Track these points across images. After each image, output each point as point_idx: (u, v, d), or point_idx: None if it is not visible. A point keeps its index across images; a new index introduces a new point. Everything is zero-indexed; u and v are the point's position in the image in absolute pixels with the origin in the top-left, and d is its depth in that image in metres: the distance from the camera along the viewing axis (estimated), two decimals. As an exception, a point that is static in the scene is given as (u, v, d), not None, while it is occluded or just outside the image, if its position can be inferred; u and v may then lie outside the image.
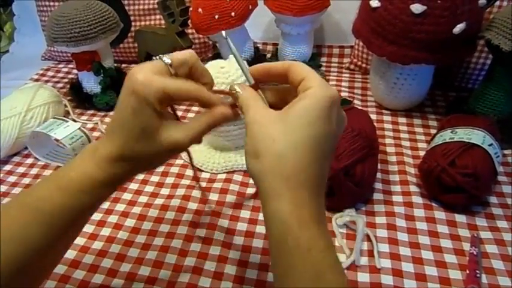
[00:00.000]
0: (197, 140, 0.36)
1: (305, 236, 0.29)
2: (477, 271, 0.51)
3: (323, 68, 0.97)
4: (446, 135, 0.61)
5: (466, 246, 0.55)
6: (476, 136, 0.59)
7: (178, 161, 0.73)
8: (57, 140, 0.71)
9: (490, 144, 0.59)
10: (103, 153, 0.35)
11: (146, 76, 0.33)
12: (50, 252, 0.36)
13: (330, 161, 0.33)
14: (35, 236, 0.34)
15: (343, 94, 0.87)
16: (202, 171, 0.70)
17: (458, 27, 0.64)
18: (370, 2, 0.70)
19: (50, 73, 1.05)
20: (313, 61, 0.95)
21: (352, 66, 0.96)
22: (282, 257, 0.30)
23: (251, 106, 0.34)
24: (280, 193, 0.30)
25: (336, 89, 0.33)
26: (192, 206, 0.63)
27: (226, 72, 0.64)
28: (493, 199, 0.61)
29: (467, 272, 0.51)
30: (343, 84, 0.91)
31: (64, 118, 0.76)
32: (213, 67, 0.65)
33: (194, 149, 0.74)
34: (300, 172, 0.30)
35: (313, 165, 0.31)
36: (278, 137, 0.31)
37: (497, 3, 0.76)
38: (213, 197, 0.65)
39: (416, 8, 0.64)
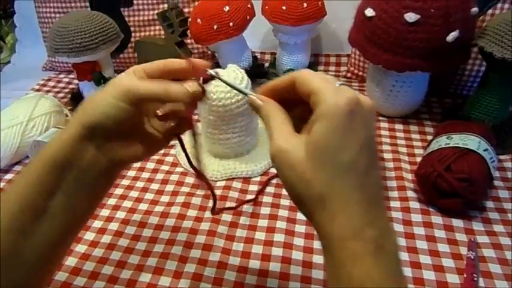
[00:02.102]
0: (143, 96, 0.35)
1: (357, 270, 0.27)
2: (474, 275, 0.51)
3: (320, 77, 0.98)
4: (442, 141, 0.62)
5: (463, 251, 0.55)
6: (471, 142, 0.60)
7: (178, 169, 0.73)
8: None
9: (485, 150, 0.59)
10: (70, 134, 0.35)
11: (122, 76, 0.34)
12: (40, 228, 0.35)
13: (376, 169, 0.30)
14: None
15: (340, 102, 0.88)
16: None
17: (452, 35, 0.65)
18: (365, 11, 0.71)
19: (51, 83, 1.06)
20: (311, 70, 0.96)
21: (349, 75, 0.98)
22: None
23: (274, 128, 0.32)
24: (330, 229, 0.28)
25: (349, 89, 0.29)
26: (192, 213, 0.64)
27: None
28: (490, 204, 0.62)
29: (465, 276, 0.52)
30: (341, 92, 0.92)
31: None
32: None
33: (193, 157, 0.74)
34: (345, 204, 0.28)
35: (358, 190, 0.28)
36: (312, 178, 0.28)
37: (490, 11, 0.78)
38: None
39: (410, 16, 0.65)
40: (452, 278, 0.52)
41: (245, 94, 0.36)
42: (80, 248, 0.59)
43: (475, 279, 0.51)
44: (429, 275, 0.53)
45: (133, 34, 1.02)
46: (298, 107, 0.33)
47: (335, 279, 0.29)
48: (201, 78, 0.38)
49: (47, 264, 0.38)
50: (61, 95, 1.01)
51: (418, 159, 0.69)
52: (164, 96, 0.35)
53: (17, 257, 0.34)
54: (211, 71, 0.38)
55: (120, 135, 0.37)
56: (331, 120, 0.28)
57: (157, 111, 0.39)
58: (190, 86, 0.35)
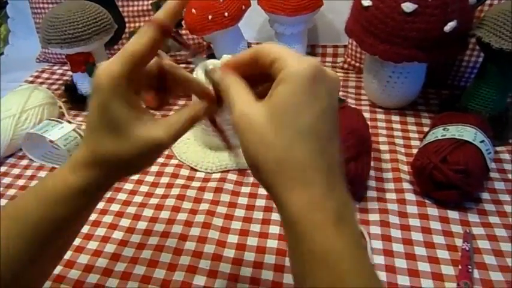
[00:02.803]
0: (179, 136, 0.34)
1: (319, 239, 0.26)
2: (469, 266, 0.51)
3: (317, 68, 0.97)
4: (439, 133, 0.62)
5: (459, 242, 0.55)
6: (467, 133, 0.59)
7: (173, 161, 0.73)
8: (51, 141, 0.71)
9: (482, 141, 0.59)
10: (78, 158, 0.33)
11: (105, 66, 0.31)
12: (38, 262, 0.35)
13: (337, 140, 0.29)
14: (19, 248, 0.33)
15: (337, 93, 0.87)
16: (197, 170, 0.70)
17: (449, 25, 0.64)
18: (362, 1, 0.70)
19: (45, 75, 1.05)
20: (307, 61, 0.95)
21: (346, 66, 0.97)
22: (298, 262, 0.28)
23: (235, 97, 0.30)
24: (288, 199, 0.27)
25: (312, 58, 0.29)
26: (187, 205, 0.64)
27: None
28: (486, 195, 0.62)
29: (460, 267, 0.52)
30: (337, 83, 0.91)
31: (59, 119, 0.76)
32: (206, 66, 0.66)
33: (189, 149, 0.74)
34: (304, 170, 0.27)
35: (318, 157, 0.27)
36: (272, 141, 0.27)
37: (488, 1, 0.77)
38: (208, 196, 0.65)
39: (408, 6, 0.64)
40: (447, 270, 0.52)
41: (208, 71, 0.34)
42: (74, 241, 0.59)
43: (470, 270, 0.51)
44: (424, 266, 0.52)
45: (127, 25, 1.00)
46: (262, 84, 0.33)
47: (296, 253, 0.28)
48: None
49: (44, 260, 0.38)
50: (55, 86, 1.00)
51: (415, 150, 0.69)
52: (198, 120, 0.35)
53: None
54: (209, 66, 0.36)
55: None
56: (293, 82, 0.27)
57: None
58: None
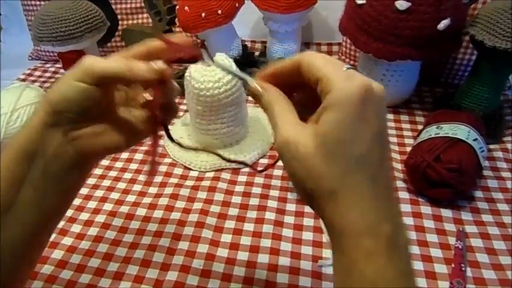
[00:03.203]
0: (105, 74, 0.32)
1: (370, 268, 0.26)
2: (462, 265, 0.51)
3: (311, 66, 0.97)
4: (432, 131, 0.62)
5: (452, 241, 0.55)
6: (461, 131, 0.59)
7: (167, 160, 0.72)
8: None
9: (475, 139, 0.59)
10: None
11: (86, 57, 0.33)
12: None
13: (387, 162, 0.28)
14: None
15: (331, 91, 0.87)
16: (191, 169, 0.70)
17: (443, 23, 0.64)
18: (356, -1, 0.70)
19: (37, 73, 1.04)
20: (302, 58, 0.95)
21: (340, 64, 0.96)
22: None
23: (279, 118, 0.29)
24: (343, 227, 0.27)
25: (359, 74, 0.27)
26: (180, 204, 0.63)
27: (213, 70, 0.64)
28: (479, 193, 0.62)
29: (453, 265, 0.52)
30: (332, 81, 0.91)
31: (50, 118, 0.75)
32: (199, 65, 0.65)
33: (182, 148, 0.73)
34: (359, 199, 0.26)
35: (372, 184, 0.26)
36: (322, 173, 0.27)
37: (482, -1, 0.77)
38: (201, 195, 0.65)
39: (401, 4, 0.64)
40: (440, 268, 0.52)
41: (243, 79, 0.33)
42: (66, 241, 0.59)
43: (463, 269, 0.51)
44: (417, 265, 0.52)
45: (120, 22, 0.99)
46: (299, 91, 0.32)
47: (345, 277, 0.27)
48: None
49: (21, 264, 0.36)
50: (47, 84, 0.99)
51: (408, 149, 0.68)
52: (127, 74, 0.32)
53: None
54: (205, 57, 0.35)
55: (87, 122, 0.34)
56: (341, 110, 0.26)
57: (139, 99, 0.37)
58: (157, 64, 0.33)
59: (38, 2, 1.03)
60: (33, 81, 1.00)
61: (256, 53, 0.99)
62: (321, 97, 0.27)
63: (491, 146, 0.70)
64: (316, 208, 0.28)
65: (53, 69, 1.05)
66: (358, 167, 0.26)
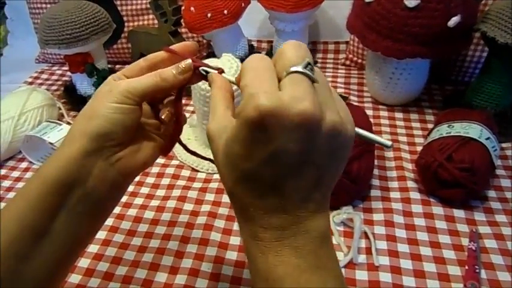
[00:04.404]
0: (139, 95, 0.34)
1: (261, 265, 0.28)
2: (476, 266, 0.50)
3: (319, 65, 0.96)
4: (443, 130, 0.61)
5: (465, 242, 0.54)
6: (473, 130, 0.58)
7: (174, 161, 0.72)
8: (51, 144, 0.71)
9: (487, 138, 0.58)
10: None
11: (112, 83, 0.35)
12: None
13: (286, 180, 0.27)
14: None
15: (339, 90, 0.86)
16: (198, 171, 0.70)
17: (453, 20, 0.63)
18: (364, -3, 0.69)
19: (44, 76, 1.04)
20: (309, 58, 0.94)
21: (347, 62, 0.96)
22: (251, 275, 0.31)
23: (213, 110, 0.31)
24: (239, 225, 0.31)
25: (281, 93, 0.25)
26: (188, 207, 0.63)
27: (220, 71, 0.63)
28: (492, 193, 0.61)
29: (466, 267, 0.51)
30: (339, 80, 0.90)
31: (57, 121, 0.75)
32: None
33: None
34: (245, 209, 0.29)
35: (258, 200, 0.28)
36: (224, 172, 0.29)
37: (492, -5, 0.75)
38: (209, 197, 0.64)
39: (411, 1, 0.63)
40: (454, 270, 0.51)
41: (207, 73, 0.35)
42: (75, 245, 0.58)
43: (477, 270, 0.50)
44: (430, 267, 0.52)
45: (126, 24, 0.99)
46: None
47: (249, 269, 0.31)
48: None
49: (55, 281, 0.36)
50: (54, 87, 0.99)
51: (419, 148, 0.68)
52: (163, 85, 0.34)
53: (18, 282, 0.32)
54: (202, 69, 0.35)
55: (128, 142, 0.35)
56: (238, 127, 0.26)
57: (162, 116, 0.38)
58: (180, 63, 0.35)
59: (44, 5, 1.03)
60: (40, 84, 1.00)
61: (263, 53, 0.98)
62: None
63: (504, 145, 0.68)
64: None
65: (59, 71, 1.05)
66: (246, 181, 0.28)
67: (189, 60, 0.35)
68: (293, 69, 0.26)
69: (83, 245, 0.38)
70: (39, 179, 0.33)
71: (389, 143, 0.30)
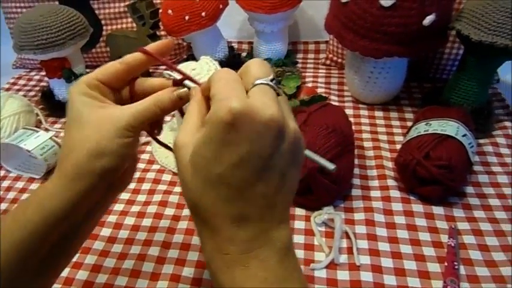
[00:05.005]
0: (143, 118, 0.33)
1: (227, 280, 0.28)
2: (455, 263, 0.51)
3: (299, 65, 0.96)
4: (421, 128, 0.61)
5: (444, 238, 0.55)
6: (450, 127, 0.59)
7: (155, 166, 0.71)
8: (28, 151, 0.69)
9: (464, 135, 0.59)
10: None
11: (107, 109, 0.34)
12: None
13: (256, 186, 0.27)
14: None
15: (320, 90, 0.86)
16: (175, 173, 0.69)
17: (428, 19, 0.64)
18: (340, -3, 0.69)
19: (22, 81, 1.02)
20: (289, 58, 0.94)
21: (328, 62, 0.96)
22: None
23: (184, 121, 0.31)
24: (201, 239, 0.30)
25: (250, 98, 0.27)
26: (170, 211, 0.62)
27: (198, 74, 0.63)
28: (470, 189, 0.61)
29: (446, 264, 0.51)
30: (320, 80, 0.90)
31: (34, 128, 0.74)
32: (184, 69, 0.64)
33: (170, 153, 0.72)
34: (211, 217, 0.28)
35: (227, 204, 0.27)
36: (189, 183, 0.28)
37: (467, -7, 0.76)
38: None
39: (386, 1, 0.64)
40: (434, 267, 0.51)
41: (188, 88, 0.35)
42: (53, 254, 0.57)
43: (456, 267, 0.51)
44: (410, 264, 0.52)
45: (104, 27, 0.98)
46: None
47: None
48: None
49: None
50: (32, 93, 0.97)
51: (398, 146, 0.68)
52: (159, 112, 0.34)
53: None
54: (167, 73, 0.36)
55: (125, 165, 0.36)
56: (209, 129, 0.26)
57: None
58: (178, 91, 0.35)
59: (19, 10, 1.01)
60: (18, 90, 0.99)
61: (243, 54, 0.98)
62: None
63: (481, 141, 0.69)
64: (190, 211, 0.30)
65: (37, 77, 1.03)
66: (213, 186, 0.27)
67: (187, 89, 0.34)
68: (260, 81, 0.28)
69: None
70: (42, 213, 0.32)
71: (332, 166, 0.31)
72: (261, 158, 0.26)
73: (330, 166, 0.31)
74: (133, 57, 0.36)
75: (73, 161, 0.32)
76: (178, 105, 0.35)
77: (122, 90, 0.37)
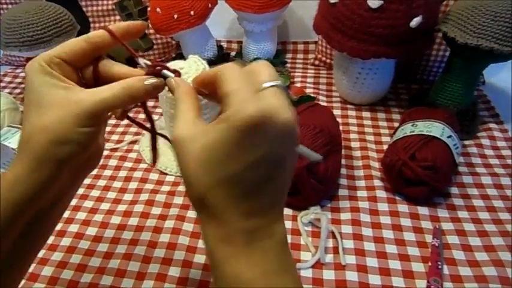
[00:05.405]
0: (109, 105, 0.31)
1: (230, 269, 0.28)
2: (439, 263, 0.52)
3: (288, 65, 0.96)
4: (407, 129, 0.62)
5: (429, 238, 0.55)
6: (435, 129, 0.60)
7: (142, 165, 0.71)
8: (13, 149, 0.68)
9: (449, 136, 0.59)
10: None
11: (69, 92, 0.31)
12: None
13: (272, 182, 0.28)
14: None
15: (308, 90, 0.87)
16: (167, 174, 0.69)
17: (415, 21, 0.64)
18: (329, -2, 0.70)
19: (7, 79, 1.01)
20: (278, 58, 0.94)
21: (317, 62, 0.96)
22: (216, 283, 0.30)
23: (180, 114, 0.30)
24: (206, 230, 0.29)
25: (265, 98, 0.26)
26: (156, 210, 0.62)
27: (186, 73, 0.63)
28: (454, 190, 0.62)
29: (430, 264, 0.52)
30: (308, 80, 0.91)
31: (20, 126, 0.73)
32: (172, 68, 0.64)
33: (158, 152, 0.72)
34: (221, 212, 0.28)
35: (237, 202, 0.27)
36: (196, 177, 0.28)
37: (453, -4, 0.77)
38: (178, 200, 0.63)
39: (373, 2, 0.64)
40: (418, 267, 0.52)
41: (164, 78, 0.33)
42: (39, 253, 0.57)
43: (440, 266, 0.51)
44: (395, 264, 0.52)
45: (92, 25, 0.97)
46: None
47: (214, 276, 0.30)
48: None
49: None
50: (17, 90, 0.96)
51: (385, 147, 0.69)
52: (129, 100, 0.32)
53: None
54: (143, 62, 0.35)
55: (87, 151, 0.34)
56: (228, 129, 0.26)
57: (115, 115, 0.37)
58: (153, 80, 0.33)
59: (4, 6, 1.00)
60: (4, 88, 0.97)
61: (233, 54, 0.98)
62: (223, 110, 0.28)
63: (466, 142, 0.70)
64: (192, 203, 0.30)
65: (23, 74, 1.02)
66: (227, 184, 0.27)
67: (162, 79, 0.33)
68: (274, 83, 0.27)
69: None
70: (4, 204, 0.30)
71: (319, 156, 0.32)
72: (276, 160, 0.27)
73: (317, 157, 0.31)
74: (98, 35, 0.33)
75: (33, 149, 0.30)
76: (151, 95, 0.33)
77: (84, 70, 0.34)
